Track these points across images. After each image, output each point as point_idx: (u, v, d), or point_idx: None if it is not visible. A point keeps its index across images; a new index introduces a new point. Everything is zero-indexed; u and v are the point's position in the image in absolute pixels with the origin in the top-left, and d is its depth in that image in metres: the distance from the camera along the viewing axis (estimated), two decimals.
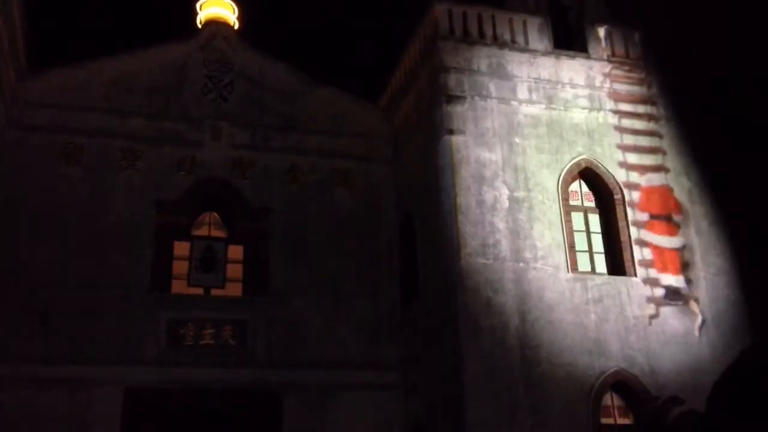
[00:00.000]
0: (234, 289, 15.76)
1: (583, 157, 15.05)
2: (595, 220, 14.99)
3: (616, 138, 15.38)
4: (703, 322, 14.29)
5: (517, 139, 14.77)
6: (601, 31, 16.19)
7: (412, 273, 15.48)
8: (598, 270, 14.46)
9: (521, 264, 13.77)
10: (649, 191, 15.11)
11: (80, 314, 14.47)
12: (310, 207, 16.50)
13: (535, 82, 15.35)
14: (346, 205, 16.75)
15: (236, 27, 18.21)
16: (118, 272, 14.97)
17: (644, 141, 15.54)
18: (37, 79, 15.92)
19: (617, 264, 14.51)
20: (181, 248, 15.77)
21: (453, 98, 14.78)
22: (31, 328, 14.12)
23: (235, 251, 16.04)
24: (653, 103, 15.90)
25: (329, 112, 17.37)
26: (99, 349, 14.37)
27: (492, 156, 14.52)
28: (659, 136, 15.67)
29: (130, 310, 14.75)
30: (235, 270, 15.88)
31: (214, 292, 15.66)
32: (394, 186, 17.13)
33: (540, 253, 13.93)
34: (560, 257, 14.02)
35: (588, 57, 15.94)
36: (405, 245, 16.16)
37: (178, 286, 15.49)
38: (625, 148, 15.33)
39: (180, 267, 15.63)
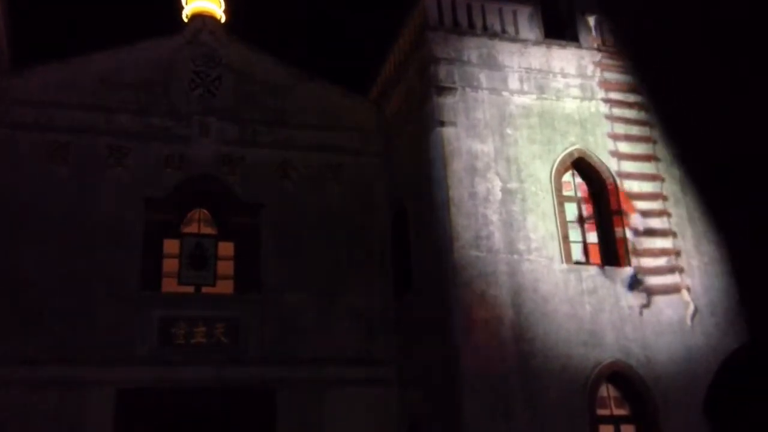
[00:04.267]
0: (225, 287, 15.59)
1: (576, 147, 14.94)
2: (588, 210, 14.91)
3: (607, 128, 15.29)
4: (696, 310, 14.23)
5: (509, 130, 14.65)
6: (591, 20, 16.07)
7: (405, 266, 15.36)
8: (592, 261, 14.39)
9: (515, 256, 13.66)
10: (640, 178, 15.06)
11: (70, 314, 14.28)
12: (302, 202, 16.34)
13: (527, 72, 15.22)
14: (338, 199, 16.59)
15: (223, 20, 17.99)
16: (108, 271, 14.78)
17: (635, 130, 15.45)
18: (22, 77, 15.71)
19: (611, 254, 14.43)
20: (171, 246, 15.58)
21: (443, 89, 14.63)
22: (21, 328, 13.92)
23: (226, 248, 15.87)
24: (643, 93, 15.79)
25: (319, 106, 17.20)
26: (90, 350, 14.18)
27: (484, 147, 14.40)
28: (650, 125, 15.58)
29: (120, 309, 14.57)
30: (226, 267, 15.71)
31: (206, 289, 15.49)
32: (386, 179, 16.98)
33: (534, 245, 13.83)
34: (554, 248, 13.92)
35: (579, 46, 15.82)
36: (398, 238, 16.03)
37: (169, 285, 15.31)
38: (617, 138, 15.24)
39: (170, 265, 15.45)
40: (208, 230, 16.00)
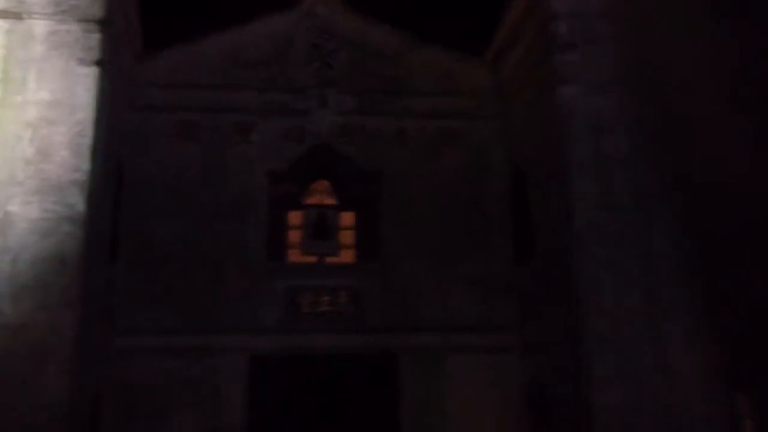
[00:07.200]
0: (347, 256, 15.85)
1: None
2: None
3: None
4: None
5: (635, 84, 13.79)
6: None
7: (525, 231, 14.92)
8: None
9: (643, 215, 12.91)
10: None
11: (203, 286, 15.02)
12: (419, 169, 16.26)
13: None
14: (455, 164, 16.36)
15: None
16: (237, 244, 15.38)
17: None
18: (152, 61, 16.38)
19: None
20: (295, 217, 15.97)
21: (564, 46, 13.88)
22: (158, 300, 14.78)
23: (347, 218, 16.10)
24: None
25: (434, 72, 16.95)
26: (222, 319, 14.90)
27: (609, 104, 13.63)
28: None
29: (249, 280, 15.18)
30: (347, 236, 15.97)
31: (329, 259, 15.80)
32: (504, 143, 16.51)
33: None
34: None
35: None
36: (517, 203, 15.58)
37: (294, 255, 15.74)
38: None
39: (295, 236, 15.86)
40: (329, 201, 16.24)
